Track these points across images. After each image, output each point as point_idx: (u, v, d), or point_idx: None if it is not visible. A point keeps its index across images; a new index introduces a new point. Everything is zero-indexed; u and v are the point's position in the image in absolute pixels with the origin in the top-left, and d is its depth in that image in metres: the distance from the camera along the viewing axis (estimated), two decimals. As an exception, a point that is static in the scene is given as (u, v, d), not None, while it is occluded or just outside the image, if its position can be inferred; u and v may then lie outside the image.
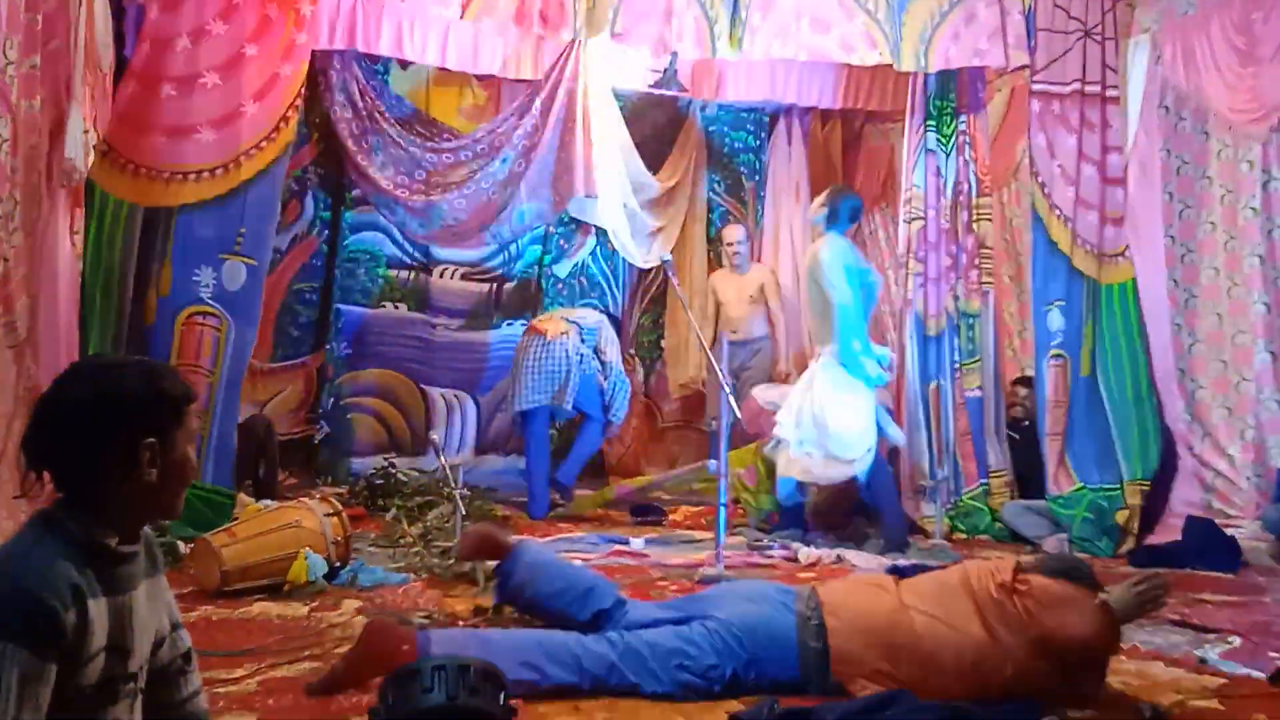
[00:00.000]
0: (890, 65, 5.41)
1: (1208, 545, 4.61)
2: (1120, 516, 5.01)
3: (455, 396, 6.79)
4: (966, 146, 5.78)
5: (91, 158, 4.41)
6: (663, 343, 7.37)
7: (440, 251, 6.75)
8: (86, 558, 1.51)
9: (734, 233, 6.64)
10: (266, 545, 3.58)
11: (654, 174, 6.85)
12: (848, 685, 2.56)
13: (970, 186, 5.78)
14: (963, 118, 5.81)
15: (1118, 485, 5.11)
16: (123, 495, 1.56)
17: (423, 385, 6.72)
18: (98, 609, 1.50)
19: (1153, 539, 4.99)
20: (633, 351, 7.20)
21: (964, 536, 5.40)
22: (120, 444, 1.55)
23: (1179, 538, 4.79)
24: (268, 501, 4.52)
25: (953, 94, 5.85)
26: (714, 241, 7.32)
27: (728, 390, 4.36)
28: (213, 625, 3.11)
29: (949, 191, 5.80)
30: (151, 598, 1.63)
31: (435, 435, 4.88)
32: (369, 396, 6.62)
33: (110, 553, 1.54)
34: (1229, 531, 4.68)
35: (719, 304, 6.59)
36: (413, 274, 6.75)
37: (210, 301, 4.50)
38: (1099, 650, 2.54)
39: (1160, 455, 5.15)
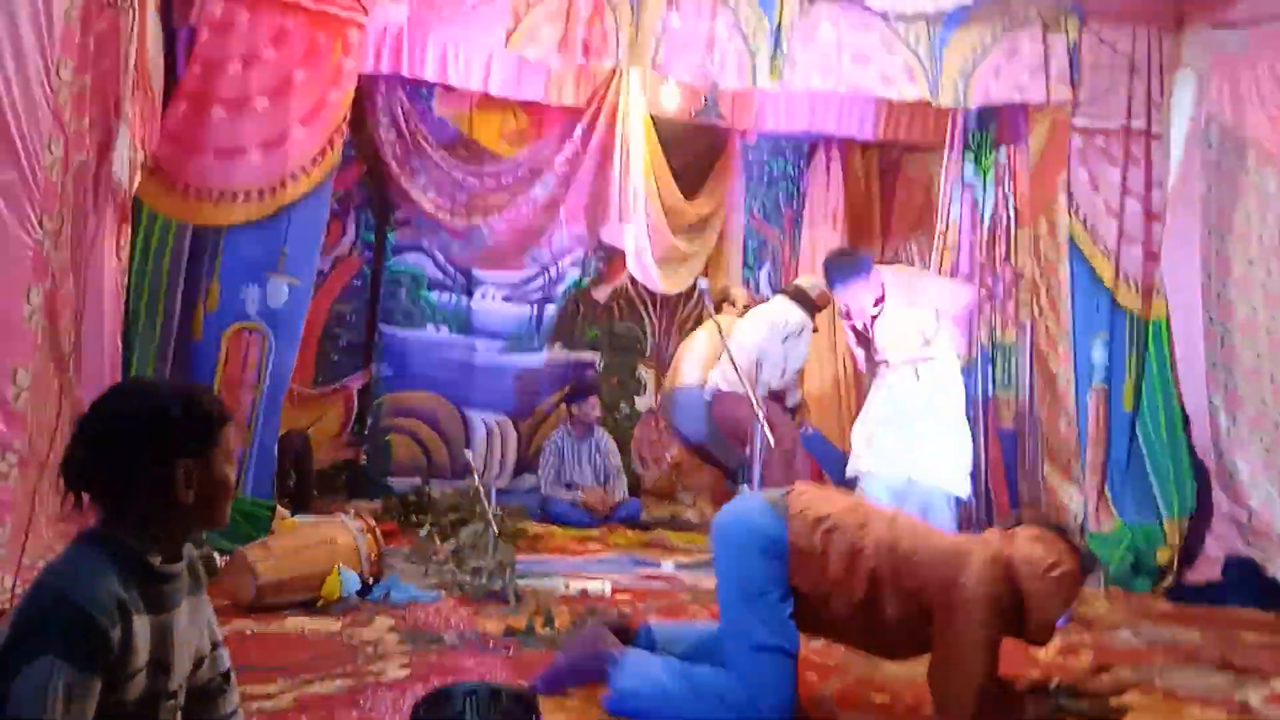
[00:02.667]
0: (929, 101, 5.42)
1: (1246, 583, 4.55)
2: (1161, 555, 4.94)
3: (496, 421, 6.84)
4: (1005, 178, 5.78)
5: (139, 176, 4.51)
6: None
7: (481, 274, 6.83)
8: (131, 575, 1.54)
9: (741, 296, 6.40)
10: (301, 560, 3.63)
11: (691, 200, 6.89)
12: None
13: (1008, 218, 5.76)
14: (1002, 149, 5.82)
15: (1157, 523, 5.05)
16: (161, 515, 1.60)
17: (463, 408, 6.78)
18: (141, 625, 1.53)
19: (1193, 575, 4.92)
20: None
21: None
22: (157, 466, 1.58)
23: (1218, 576, 4.72)
24: (304, 516, 4.58)
25: (993, 125, 5.86)
26: (749, 267, 7.34)
27: (760, 417, 4.36)
28: (247, 640, 3.15)
29: (985, 223, 5.79)
30: (193, 616, 1.67)
31: (469, 453, 4.91)
32: (409, 418, 6.69)
33: (154, 571, 1.58)
34: (1270, 573, 4.60)
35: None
36: (454, 296, 6.82)
37: (255, 317, 4.59)
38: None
39: (1197, 493, 5.08)
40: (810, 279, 5.87)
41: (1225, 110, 5.17)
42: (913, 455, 4.59)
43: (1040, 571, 2.55)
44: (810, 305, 5.72)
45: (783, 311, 5.66)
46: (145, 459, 1.59)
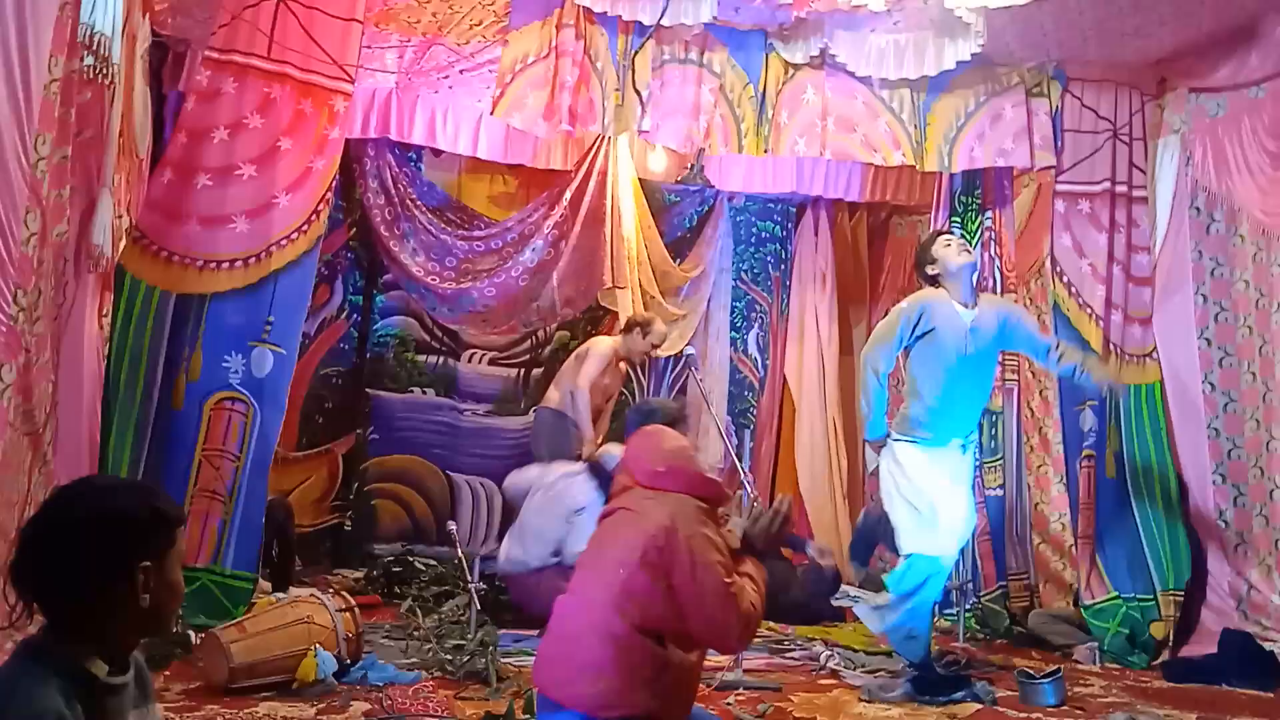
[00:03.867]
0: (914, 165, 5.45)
1: (1244, 659, 4.46)
2: (1156, 629, 4.87)
3: (480, 483, 6.75)
4: (992, 242, 5.79)
5: (123, 242, 4.49)
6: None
7: (469, 337, 6.79)
8: (75, 688, 1.48)
9: (663, 332, 6.03)
10: (276, 641, 3.54)
11: (680, 263, 6.90)
12: None
13: (995, 282, 5.77)
14: (988, 213, 5.84)
15: (1151, 596, 4.99)
16: (115, 621, 1.54)
17: (448, 471, 6.70)
18: None
19: (1187, 649, 4.84)
20: (650, 413, 7.12)
21: (984, 638, 5.27)
22: (116, 568, 1.53)
23: (1214, 649, 4.64)
24: (280, 595, 4.48)
25: (979, 190, 5.89)
26: (737, 329, 7.32)
27: (749, 486, 4.33)
28: (217, 727, 3.06)
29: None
30: None
31: (452, 526, 4.83)
32: (394, 482, 6.61)
33: (100, 683, 1.52)
34: (1266, 646, 4.52)
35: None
36: (441, 359, 6.78)
37: (238, 387, 4.52)
38: None
39: (1192, 564, 5.02)
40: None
41: (1211, 176, 5.20)
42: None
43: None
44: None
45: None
46: (103, 560, 1.53)
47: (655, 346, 5.95)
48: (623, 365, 6.05)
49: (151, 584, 1.54)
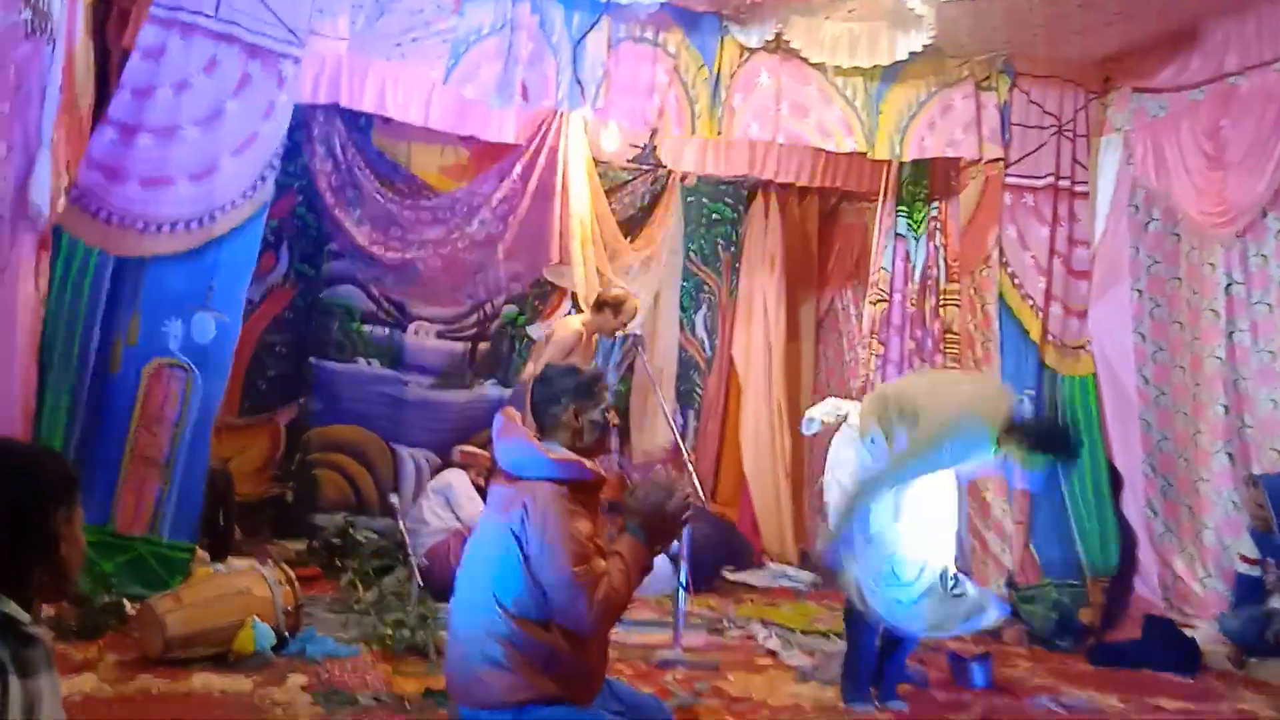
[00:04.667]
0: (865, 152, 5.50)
1: (1166, 645, 4.62)
2: (1084, 614, 5.02)
3: (425, 457, 6.70)
4: (937, 233, 5.88)
5: (63, 202, 4.37)
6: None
7: (416, 308, 6.73)
8: (3, 634, 1.48)
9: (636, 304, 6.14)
10: (213, 613, 3.51)
11: (631, 242, 6.90)
12: None
13: (939, 272, 5.86)
14: (935, 204, 5.92)
15: (1080, 582, 5.13)
16: (32, 569, 1.55)
17: (392, 444, 6.65)
18: (16, 688, 1.46)
19: (1114, 635, 5.00)
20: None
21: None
22: (36, 518, 1.55)
23: (1138, 636, 4.79)
24: (219, 566, 4.44)
25: (926, 180, 5.97)
26: (685, 310, 7.35)
27: (691, 468, 4.37)
28: (152, 700, 3.04)
29: (917, 276, 5.90)
30: (52, 691, 1.60)
31: (394, 499, 4.82)
32: (337, 453, 6.54)
33: (19, 630, 1.51)
34: (1187, 632, 4.69)
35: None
36: (387, 330, 6.71)
37: (178, 354, 4.44)
38: None
39: (1121, 551, 5.17)
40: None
41: (1150, 175, 5.33)
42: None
43: None
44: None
45: None
46: (20, 509, 1.55)
47: (626, 325, 5.96)
48: (594, 341, 6.11)
49: (66, 534, 1.57)
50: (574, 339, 5.88)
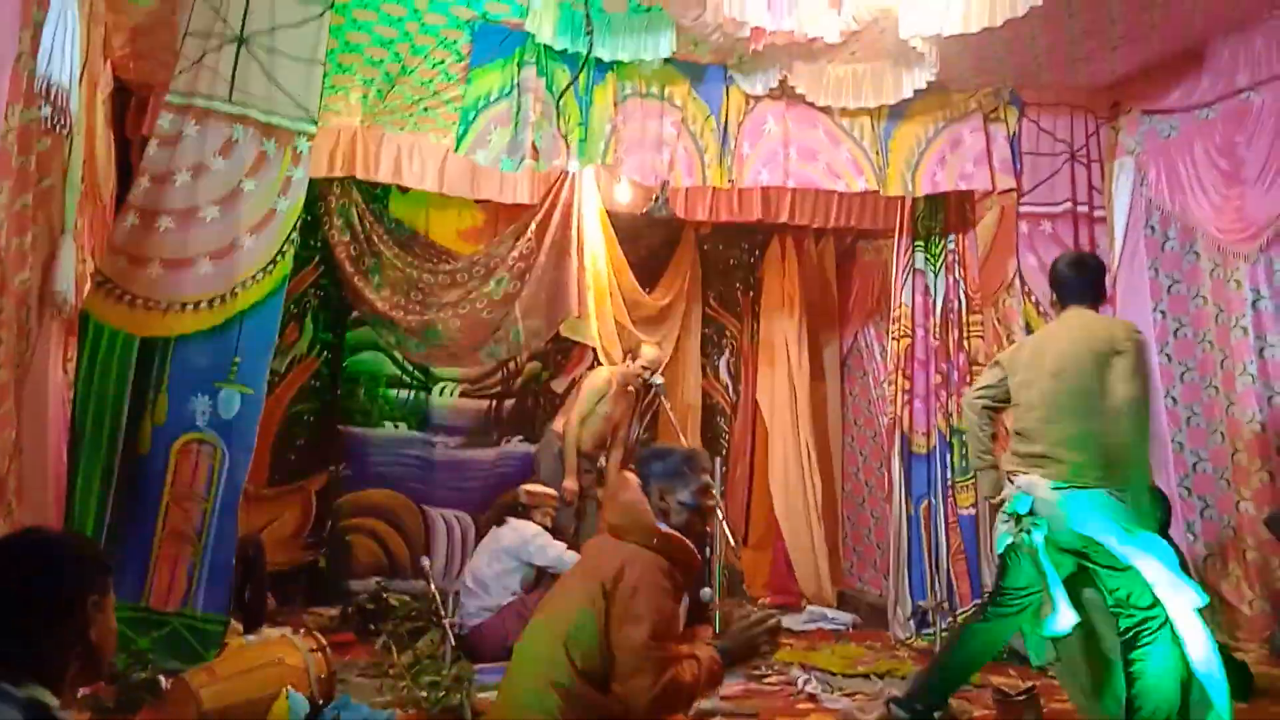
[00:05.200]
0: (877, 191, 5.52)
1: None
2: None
3: (455, 516, 6.73)
4: (955, 265, 5.87)
5: (87, 286, 4.47)
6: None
7: (439, 370, 6.79)
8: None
9: (656, 354, 6.38)
10: (248, 685, 3.52)
11: (649, 292, 6.94)
12: None
13: (960, 304, 5.84)
14: (951, 237, 5.92)
15: (1121, 609, 5.02)
16: (65, 655, 1.58)
17: (422, 505, 6.68)
18: None
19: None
20: (631, 468, 7.15)
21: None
22: (70, 603, 1.58)
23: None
24: (250, 637, 4.45)
25: (941, 214, 5.97)
26: (708, 356, 7.37)
27: (720, 516, 4.35)
28: (186, 776, 3.03)
29: (938, 309, 5.87)
30: None
31: (425, 561, 4.82)
32: (368, 517, 6.58)
33: (52, 718, 1.54)
34: (1238, 656, 4.56)
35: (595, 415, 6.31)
36: (413, 393, 6.77)
37: (205, 429, 4.50)
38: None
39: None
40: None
41: (1166, 196, 5.30)
42: None
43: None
44: None
45: None
46: (54, 596, 1.58)
47: (647, 369, 6.15)
48: (630, 390, 6.35)
49: (97, 619, 1.60)
50: (603, 387, 6.15)
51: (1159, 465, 5.24)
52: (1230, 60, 5.00)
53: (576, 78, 5.02)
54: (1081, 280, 3.88)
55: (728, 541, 4.29)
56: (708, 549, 4.73)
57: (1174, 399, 5.26)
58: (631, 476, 2.73)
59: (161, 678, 3.90)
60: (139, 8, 4.88)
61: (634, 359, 6.18)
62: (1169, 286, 5.31)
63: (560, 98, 5.01)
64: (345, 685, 4.10)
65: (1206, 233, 5.13)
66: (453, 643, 4.34)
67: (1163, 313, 5.31)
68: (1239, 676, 4.41)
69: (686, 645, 2.47)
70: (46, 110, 3.47)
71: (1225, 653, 4.50)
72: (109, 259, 4.48)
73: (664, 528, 2.58)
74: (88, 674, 1.66)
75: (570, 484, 6.05)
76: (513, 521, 5.38)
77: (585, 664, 2.35)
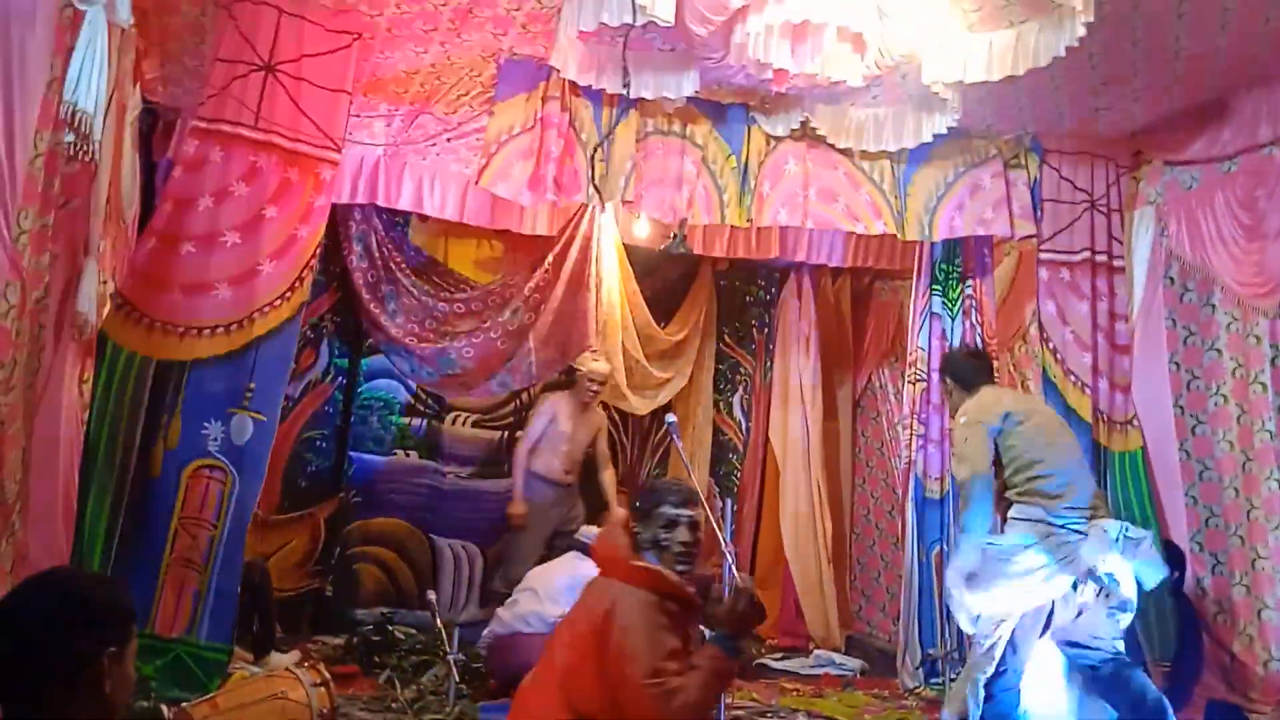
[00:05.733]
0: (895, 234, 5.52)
1: (1231, 732, 4.43)
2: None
3: (463, 547, 6.70)
4: (973, 310, 5.85)
5: (107, 307, 4.49)
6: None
7: (453, 399, 6.79)
8: None
9: (600, 368, 6.29)
10: (250, 718, 3.49)
11: (664, 326, 6.93)
12: None
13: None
14: (969, 282, 5.90)
15: (1141, 666, 4.95)
16: (77, 708, 1.54)
17: (431, 535, 6.65)
18: None
19: (1177, 721, 4.80)
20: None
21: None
22: (86, 654, 1.54)
23: (1200, 722, 4.61)
24: (254, 668, 4.43)
25: (959, 259, 5.95)
26: (721, 392, 7.35)
27: (730, 556, 4.29)
28: (185, 810, 3.00)
29: (955, 355, 5.83)
30: None
31: (431, 595, 4.79)
32: (376, 546, 6.55)
33: None
34: (1252, 718, 4.49)
35: (553, 437, 6.24)
36: (425, 421, 6.76)
37: (217, 455, 4.49)
38: None
39: (1180, 633, 4.99)
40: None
41: (1185, 247, 5.27)
42: None
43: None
44: None
45: None
46: (74, 646, 1.54)
47: (596, 382, 6.20)
48: (593, 412, 6.33)
49: (114, 672, 1.56)
50: (549, 410, 6.22)
51: (1173, 519, 5.20)
52: (1253, 113, 4.99)
53: (612, 131, 5.06)
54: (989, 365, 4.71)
55: (735, 576, 4.24)
56: (724, 585, 4.68)
57: (1187, 452, 5.21)
58: (618, 511, 2.77)
59: (164, 707, 3.87)
60: (170, 33, 4.93)
61: (574, 374, 6.24)
62: (1185, 339, 5.28)
63: (594, 152, 5.05)
64: (348, 719, 4.07)
65: (1226, 286, 5.10)
66: (456, 678, 4.30)
67: (1177, 364, 5.28)
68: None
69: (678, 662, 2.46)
70: (70, 137, 3.50)
71: (1238, 713, 4.45)
72: (129, 281, 4.50)
73: (645, 562, 2.57)
74: None
75: (514, 509, 6.08)
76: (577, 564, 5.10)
77: (583, 705, 2.35)
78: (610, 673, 2.37)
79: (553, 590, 4.90)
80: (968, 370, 4.51)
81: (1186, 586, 5.09)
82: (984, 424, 4.18)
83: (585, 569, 5.14)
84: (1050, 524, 3.98)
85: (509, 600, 5.08)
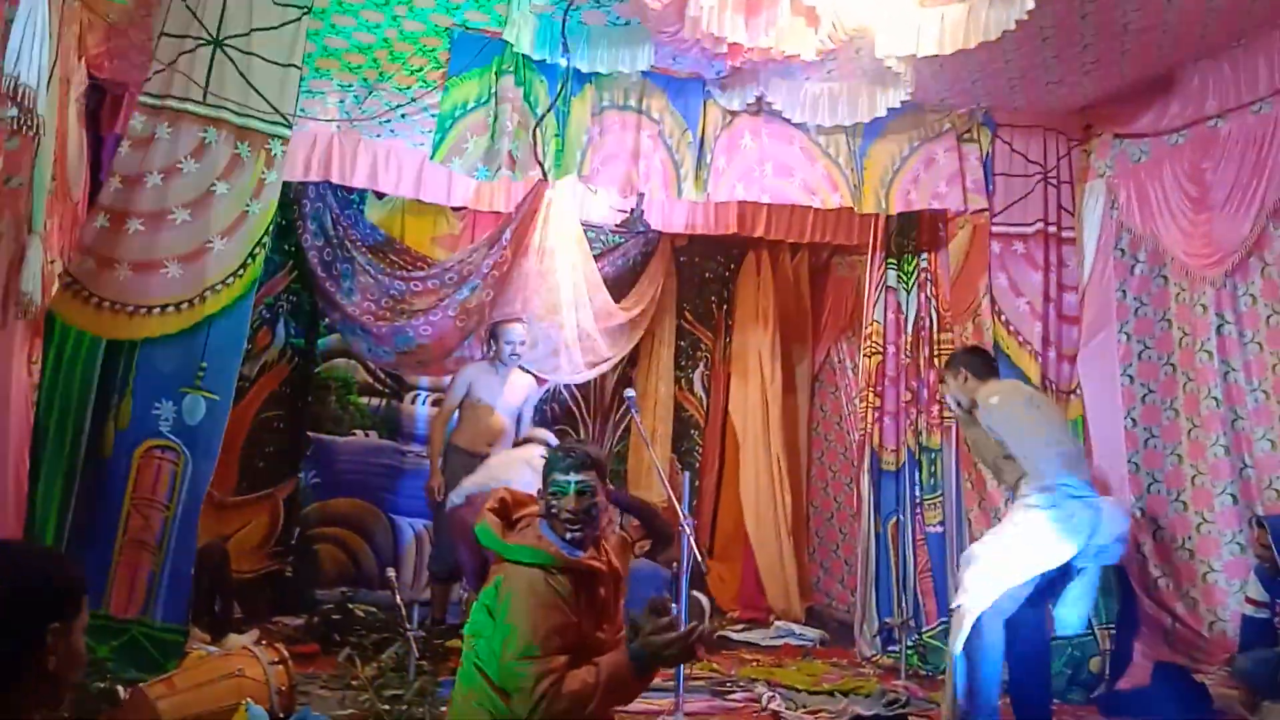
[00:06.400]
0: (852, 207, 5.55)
1: (1177, 692, 4.54)
2: (1094, 664, 4.94)
3: (425, 525, 6.67)
4: (928, 283, 5.91)
5: (55, 285, 4.41)
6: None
7: (411, 378, 6.75)
8: None
9: (517, 331, 6.03)
10: (206, 697, 3.49)
11: (619, 303, 6.93)
12: None
13: (931, 322, 5.89)
14: (924, 255, 5.96)
15: (1090, 632, 5.06)
16: (20, 684, 1.53)
17: (391, 514, 6.63)
18: None
19: (1123, 683, 4.91)
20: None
21: (926, 675, 5.32)
22: (28, 629, 1.53)
23: (1147, 682, 4.72)
24: (212, 647, 4.40)
25: (914, 232, 6.01)
26: (682, 368, 7.37)
27: (688, 529, 4.33)
28: (141, 789, 2.99)
29: (909, 327, 5.92)
30: None
31: (391, 572, 4.78)
32: (336, 526, 6.52)
33: None
34: (1198, 678, 4.61)
35: (473, 407, 5.95)
36: (384, 401, 6.72)
37: (169, 435, 4.43)
38: None
39: (1121, 598, 5.10)
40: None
41: (1136, 219, 5.35)
42: None
43: None
44: None
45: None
46: (12, 624, 1.52)
47: (515, 344, 5.94)
48: (516, 376, 6.07)
49: (59, 648, 1.54)
50: (463, 382, 5.97)
51: (1117, 484, 5.30)
52: (1200, 87, 5.07)
53: (555, 101, 5.01)
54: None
55: (695, 553, 4.27)
56: (675, 564, 4.72)
57: (1134, 420, 5.30)
58: (504, 492, 2.69)
59: (120, 688, 3.85)
60: (115, 6, 4.83)
61: (495, 341, 5.96)
62: (1136, 309, 5.36)
63: (541, 119, 5.00)
64: (307, 697, 4.07)
65: (1175, 256, 5.19)
66: (416, 654, 4.30)
67: (1127, 334, 5.36)
68: (1198, 697, 4.47)
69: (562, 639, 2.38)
70: (13, 111, 3.43)
71: (1185, 674, 4.56)
72: (77, 260, 4.42)
73: (521, 536, 2.53)
74: (43, 700, 1.58)
75: (432, 482, 5.88)
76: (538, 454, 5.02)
77: (499, 680, 2.38)
78: (495, 644, 2.37)
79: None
80: (979, 362, 4.53)
81: (1125, 553, 5.20)
82: (1027, 398, 4.38)
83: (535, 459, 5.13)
84: (1067, 493, 4.04)
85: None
